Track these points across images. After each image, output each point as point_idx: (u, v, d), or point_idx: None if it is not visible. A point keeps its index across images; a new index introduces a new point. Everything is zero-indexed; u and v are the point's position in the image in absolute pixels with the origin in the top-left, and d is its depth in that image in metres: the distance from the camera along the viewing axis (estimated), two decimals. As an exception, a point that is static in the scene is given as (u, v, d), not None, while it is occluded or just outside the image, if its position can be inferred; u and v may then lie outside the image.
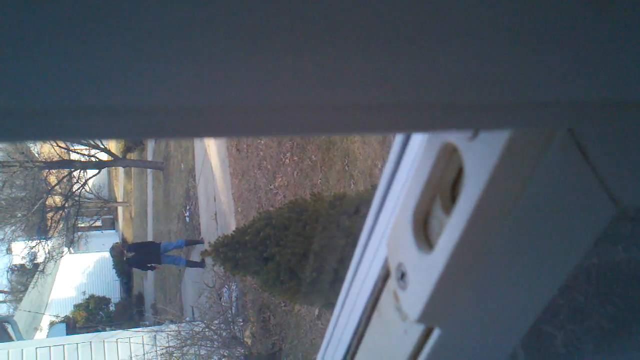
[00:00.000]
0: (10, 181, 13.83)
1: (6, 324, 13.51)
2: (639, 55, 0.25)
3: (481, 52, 0.23)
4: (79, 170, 14.02)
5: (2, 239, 16.19)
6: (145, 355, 7.73)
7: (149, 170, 17.12)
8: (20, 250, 18.14)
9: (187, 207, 11.64)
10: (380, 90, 0.24)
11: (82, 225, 20.08)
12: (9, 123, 0.22)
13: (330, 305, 3.61)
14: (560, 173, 0.37)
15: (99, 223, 25.35)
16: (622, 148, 0.37)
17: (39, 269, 17.77)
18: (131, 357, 8.18)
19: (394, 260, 0.48)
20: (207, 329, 6.66)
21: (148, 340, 8.13)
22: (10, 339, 12.11)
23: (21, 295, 21.92)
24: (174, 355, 6.91)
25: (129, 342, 8.55)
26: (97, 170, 14.97)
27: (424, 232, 0.44)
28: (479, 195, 0.37)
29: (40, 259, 17.50)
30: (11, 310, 22.37)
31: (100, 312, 18.21)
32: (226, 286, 7.34)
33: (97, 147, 14.09)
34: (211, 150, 9.80)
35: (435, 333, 0.47)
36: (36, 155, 14.73)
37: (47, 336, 15.21)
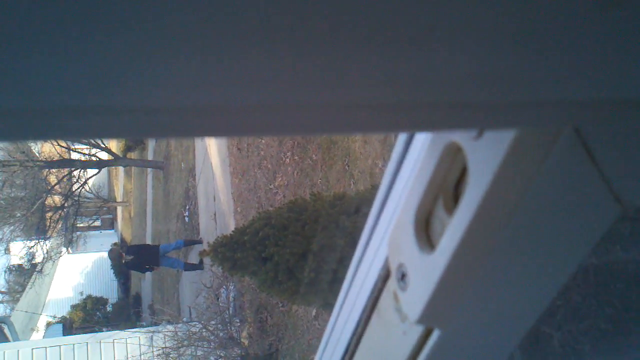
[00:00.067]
0: (10, 180, 13.83)
1: (3, 325, 13.52)
2: None
3: (486, 50, 0.23)
4: (79, 170, 14.02)
5: (1, 239, 16.19)
6: (142, 356, 7.74)
7: (149, 170, 17.13)
8: (18, 251, 18.13)
9: (187, 207, 11.64)
10: (384, 90, 0.24)
11: (81, 225, 20.12)
12: (11, 122, 0.22)
13: (328, 305, 3.62)
14: (565, 173, 0.37)
15: (98, 223, 25.38)
16: (628, 148, 0.37)
17: (36, 269, 17.77)
18: (128, 358, 8.17)
19: (395, 261, 0.47)
20: (204, 330, 6.66)
21: (145, 341, 8.13)
22: (6, 340, 12.12)
23: (18, 295, 21.91)
24: (171, 355, 6.91)
25: (125, 343, 8.56)
26: (97, 170, 14.97)
27: (425, 233, 0.44)
28: (483, 195, 0.36)
29: (38, 259, 17.50)
30: (8, 310, 22.36)
31: (98, 313, 18.20)
32: (224, 286, 7.35)
33: (97, 146, 14.09)
34: (212, 150, 9.81)
35: (435, 334, 0.47)
36: (37, 154, 14.74)
37: (44, 337, 15.19)
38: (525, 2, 0.21)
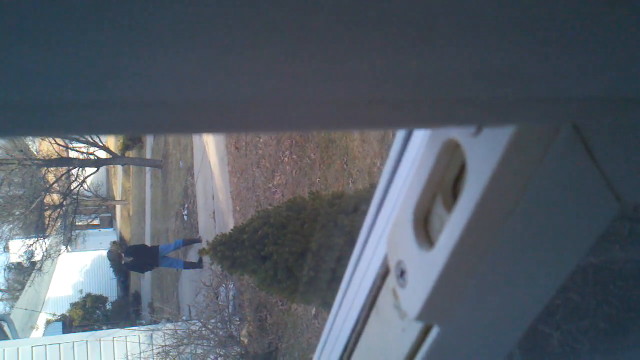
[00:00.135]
0: (8, 179, 13.83)
1: (2, 322, 13.53)
2: None
3: (485, 47, 0.23)
4: (77, 168, 14.01)
5: (0, 237, 16.19)
6: (142, 354, 7.74)
7: (147, 169, 17.13)
8: (17, 249, 18.14)
9: (185, 206, 11.64)
10: (384, 86, 0.24)
11: (80, 223, 20.12)
12: (12, 116, 0.22)
13: (327, 304, 3.62)
14: (564, 170, 0.37)
15: (96, 221, 25.36)
16: (627, 145, 0.37)
17: (36, 267, 17.77)
18: (127, 356, 8.18)
19: (394, 258, 0.47)
20: (203, 328, 6.66)
21: (144, 339, 8.14)
22: (6, 338, 12.13)
23: (18, 293, 21.91)
24: (171, 354, 6.91)
25: (125, 341, 8.55)
26: (95, 168, 14.96)
27: (424, 230, 0.44)
28: (481, 192, 0.36)
29: (37, 257, 17.51)
30: (8, 308, 22.36)
31: (97, 311, 18.21)
32: (223, 285, 7.35)
33: (95, 144, 14.09)
34: (210, 148, 9.81)
35: (434, 331, 0.47)
36: (35, 153, 14.73)
37: (44, 335, 15.21)
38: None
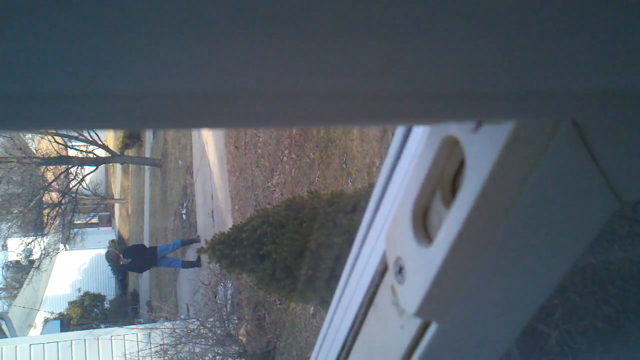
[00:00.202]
0: (7, 177, 13.82)
1: (0, 321, 13.52)
2: None
3: (485, 41, 0.23)
4: (76, 167, 14.01)
5: (-2, 235, 16.19)
6: (140, 352, 7.74)
7: (146, 167, 17.13)
8: (16, 247, 18.14)
9: (184, 205, 11.63)
10: (383, 79, 0.24)
11: (79, 222, 20.10)
12: (11, 108, 0.22)
13: (325, 303, 3.62)
14: (563, 166, 0.37)
15: (95, 220, 25.37)
16: (626, 141, 0.37)
17: (34, 266, 17.76)
18: (125, 355, 8.18)
19: (392, 254, 0.47)
20: (201, 327, 6.66)
21: (142, 338, 8.14)
22: (4, 336, 12.13)
23: (16, 291, 21.91)
24: (169, 352, 6.91)
25: (123, 340, 8.56)
26: (94, 167, 14.97)
27: (423, 226, 0.44)
28: (480, 188, 0.36)
29: (35, 255, 17.51)
30: (5, 306, 22.35)
31: (95, 309, 18.22)
32: (222, 284, 7.35)
33: (95, 143, 14.08)
34: (209, 147, 9.81)
35: (432, 328, 0.47)
36: (34, 151, 14.75)
37: (42, 333, 15.22)
38: None
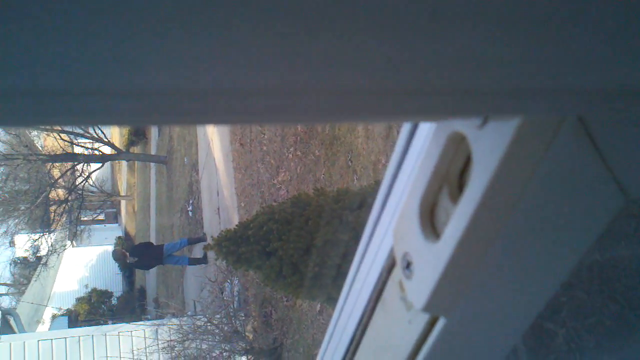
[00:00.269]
0: (13, 174, 13.88)
1: (9, 317, 13.56)
2: None
3: (491, 37, 0.23)
4: (82, 164, 14.05)
5: (6, 232, 16.26)
6: (147, 348, 7.76)
7: (152, 164, 17.15)
8: (23, 243, 18.21)
9: (190, 202, 11.65)
10: (390, 76, 0.24)
11: (85, 218, 20.16)
12: (22, 103, 0.22)
13: (332, 300, 3.62)
14: (569, 162, 0.37)
15: (101, 217, 25.43)
16: (632, 137, 0.37)
17: (41, 262, 17.84)
18: (133, 351, 8.20)
19: (400, 250, 0.48)
20: (208, 323, 6.67)
21: (150, 334, 8.17)
22: (12, 332, 12.16)
23: (24, 288, 22.00)
24: (176, 349, 6.92)
25: (130, 336, 8.57)
26: (100, 164, 15.00)
27: (430, 221, 0.44)
28: (487, 184, 0.37)
29: (43, 252, 17.58)
30: (14, 302, 22.44)
31: (103, 306, 18.27)
32: (228, 280, 7.36)
33: (100, 140, 14.12)
34: (215, 145, 9.81)
35: (440, 323, 0.47)
36: (40, 148, 14.79)
37: (49, 329, 15.26)
38: None
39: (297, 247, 3.43)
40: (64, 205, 14.82)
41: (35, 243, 16.58)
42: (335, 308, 0.70)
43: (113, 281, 21.03)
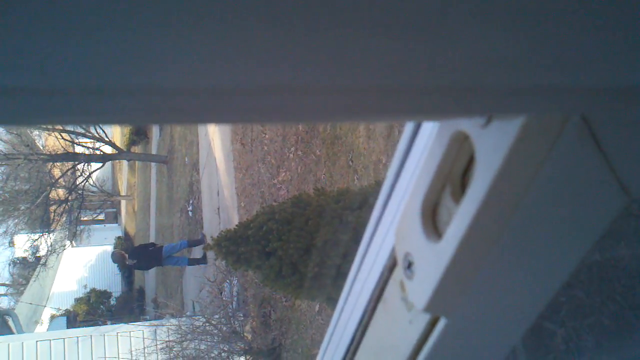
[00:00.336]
0: (14, 174, 13.88)
1: (7, 317, 13.56)
2: None
3: (496, 35, 0.23)
4: (83, 163, 14.05)
5: (5, 232, 16.26)
6: (146, 349, 7.76)
7: (153, 164, 17.15)
8: (22, 243, 18.22)
9: (190, 202, 11.65)
10: (394, 74, 0.24)
11: (85, 218, 20.17)
12: (32, 101, 0.22)
13: (331, 300, 3.62)
14: (573, 161, 0.37)
15: (101, 217, 25.45)
16: (636, 136, 0.37)
17: (40, 262, 17.84)
18: (131, 351, 8.20)
19: (402, 250, 0.48)
20: (207, 324, 6.67)
21: (148, 334, 8.17)
22: (11, 332, 12.16)
23: (23, 288, 22.01)
24: (174, 349, 6.92)
25: (129, 336, 8.58)
26: (101, 164, 15.01)
27: (432, 221, 0.44)
28: (490, 184, 0.37)
29: (42, 252, 17.58)
30: (12, 303, 22.45)
31: (101, 306, 18.28)
32: (227, 281, 7.36)
33: (101, 139, 14.12)
34: (216, 144, 9.81)
35: (441, 323, 0.47)
36: (40, 147, 14.80)
37: (48, 329, 15.28)
38: None
39: (297, 247, 3.43)
40: (64, 205, 14.83)
41: (35, 243, 16.59)
42: (335, 308, 0.70)
43: (112, 281, 21.04)
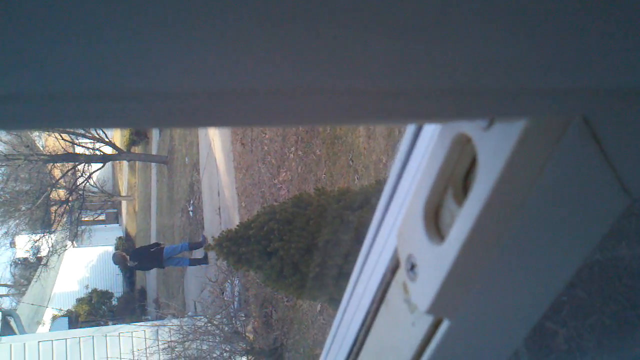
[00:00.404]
0: (14, 174, 13.89)
1: (9, 318, 13.58)
2: None
3: (498, 37, 0.23)
4: (83, 164, 14.05)
5: (6, 233, 16.26)
6: (148, 349, 7.76)
7: (153, 164, 17.16)
8: (23, 244, 18.23)
9: (191, 202, 11.65)
10: (396, 77, 0.24)
11: (86, 219, 20.18)
12: (33, 107, 0.22)
13: (333, 300, 3.62)
14: (575, 163, 0.37)
15: (102, 217, 25.45)
16: (637, 137, 0.37)
17: (42, 263, 17.86)
18: (133, 352, 8.20)
19: (404, 251, 0.48)
20: (209, 324, 6.67)
21: (150, 335, 8.17)
22: (13, 333, 12.17)
23: (24, 288, 22.03)
24: (176, 349, 6.93)
25: (131, 337, 8.58)
26: (101, 164, 15.01)
27: (435, 223, 0.44)
28: (492, 186, 0.37)
29: (43, 252, 17.60)
30: (14, 303, 22.46)
31: (103, 306, 18.28)
32: (229, 281, 7.36)
33: (102, 140, 14.13)
34: (216, 144, 9.81)
35: (444, 325, 0.47)
36: (41, 148, 14.80)
37: (50, 330, 15.29)
38: None
39: (298, 247, 3.43)
40: (64, 206, 14.85)
41: (36, 244, 16.61)
42: (336, 309, 0.70)
43: (113, 282, 21.04)
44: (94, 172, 15.25)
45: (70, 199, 14.59)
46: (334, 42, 0.21)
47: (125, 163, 23.26)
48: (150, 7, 0.18)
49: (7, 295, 23.96)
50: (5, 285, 23.79)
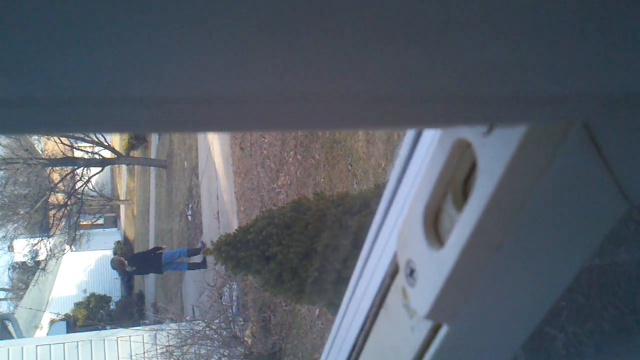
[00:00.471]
0: (13, 178, 13.88)
1: (7, 322, 13.56)
2: None
3: (498, 45, 0.23)
4: (82, 168, 14.05)
5: (4, 237, 16.24)
6: (146, 354, 7.75)
7: (152, 168, 17.16)
8: (22, 248, 18.22)
9: (190, 206, 11.65)
10: (396, 83, 0.24)
11: (84, 223, 20.16)
12: (38, 112, 0.22)
13: (331, 305, 3.61)
14: (574, 169, 0.37)
15: (101, 221, 25.42)
16: (637, 143, 0.37)
17: (40, 267, 17.84)
18: (131, 356, 8.19)
19: (404, 256, 0.48)
20: (207, 328, 6.66)
21: (148, 339, 8.15)
22: (10, 337, 12.15)
23: (22, 292, 21.99)
24: (174, 354, 6.91)
25: (129, 341, 8.57)
26: (100, 168, 15.01)
27: (434, 228, 0.44)
28: (492, 191, 0.37)
29: (41, 256, 17.57)
30: (12, 307, 22.41)
31: (101, 311, 18.25)
32: (227, 285, 7.35)
33: (100, 144, 14.13)
34: (215, 149, 9.81)
35: (443, 330, 0.47)
36: (40, 152, 14.79)
37: (48, 334, 15.25)
38: None
39: (296, 251, 3.43)
40: (63, 210, 14.83)
41: (34, 248, 16.59)
42: (335, 313, 0.70)
43: (112, 286, 21.01)
44: (92, 176, 15.24)
45: (68, 202, 14.58)
46: (335, 48, 0.21)
47: (124, 167, 23.24)
48: (153, 13, 0.18)
49: (5, 299, 23.92)
50: (3, 289, 23.75)
